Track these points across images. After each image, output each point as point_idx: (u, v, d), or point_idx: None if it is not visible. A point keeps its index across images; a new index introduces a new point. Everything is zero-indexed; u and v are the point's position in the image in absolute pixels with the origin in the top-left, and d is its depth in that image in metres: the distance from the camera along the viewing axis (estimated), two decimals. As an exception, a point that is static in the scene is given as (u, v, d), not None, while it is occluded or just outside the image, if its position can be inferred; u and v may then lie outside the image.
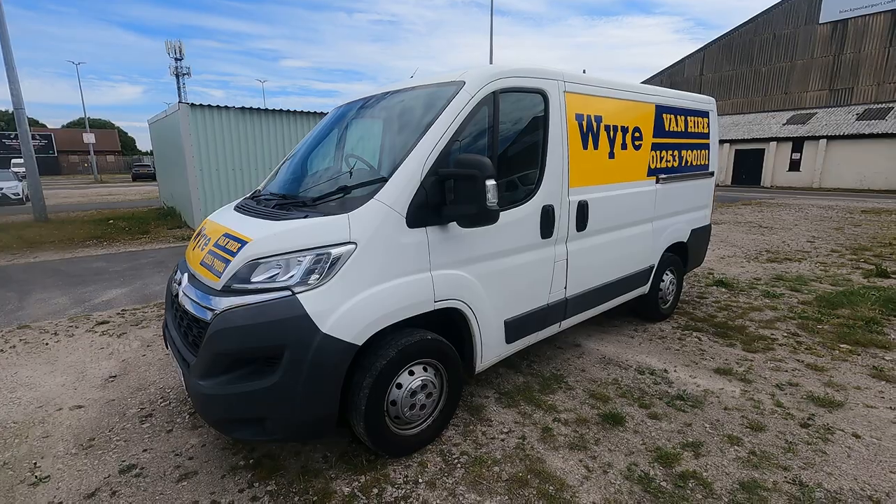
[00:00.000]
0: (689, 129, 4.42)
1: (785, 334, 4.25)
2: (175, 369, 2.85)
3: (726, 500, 2.20)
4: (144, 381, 3.48)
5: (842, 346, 3.97)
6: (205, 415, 2.25)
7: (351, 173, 2.85)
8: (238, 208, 2.91)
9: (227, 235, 2.48)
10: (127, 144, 73.77)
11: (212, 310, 2.19)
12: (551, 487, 2.30)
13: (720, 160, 28.11)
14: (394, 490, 2.30)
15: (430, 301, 2.45)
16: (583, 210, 3.25)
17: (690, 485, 2.30)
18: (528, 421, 2.89)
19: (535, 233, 2.96)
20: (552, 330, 3.35)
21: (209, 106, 10.02)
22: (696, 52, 32.17)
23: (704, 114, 4.70)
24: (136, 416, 3.02)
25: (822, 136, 24.84)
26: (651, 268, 4.24)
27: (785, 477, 2.35)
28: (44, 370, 3.69)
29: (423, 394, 2.53)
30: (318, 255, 2.17)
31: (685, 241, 4.66)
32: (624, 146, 3.62)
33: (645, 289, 4.26)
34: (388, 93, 3.14)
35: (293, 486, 2.35)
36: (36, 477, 2.43)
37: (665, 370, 3.56)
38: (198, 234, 2.94)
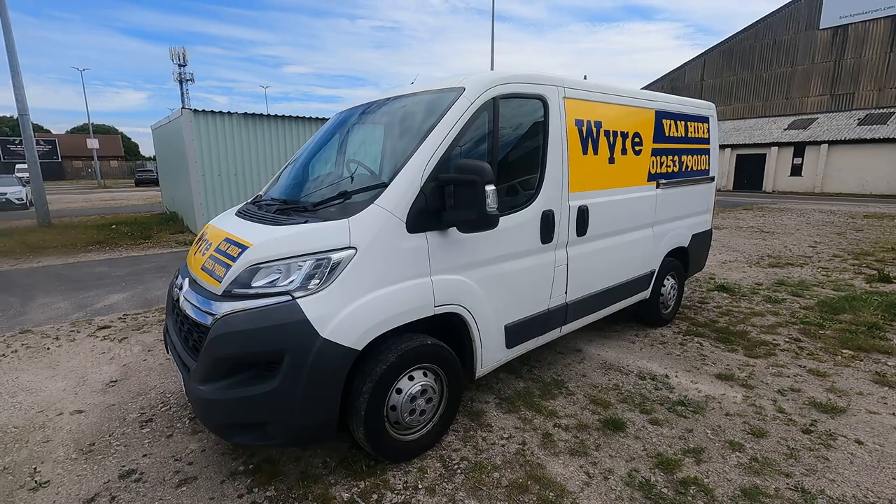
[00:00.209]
0: (689, 135, 4.44)
1: (787, 339, 4.23)
2: (176, 374, 2.85)
3: (728, 506, 2.19)
4: (145, 386, 3.49)
5: (844, 351, 3.95)
6: (205, 419, 2.25)
7: (352, 179, 2.87)
8: (239, 213, 2.93)
9: (228, 240, 2.49)
10: (130, 150, 74.19)
11: (212, 314, 2.20)
12: (552, 493, 2.29)
13: (721, 165, 28.11)
14: (393, 496, 2.29)
15: (429, 306, 2.45)
16: (583, 215, 3.26)
17: (692, 491, 2.29)
18: (529, 426, 2.88)
19: (535, 238, 2.97)
20: (553, 335, 3.35)
21: (212, 112, 10.08)
22: (696, 57, 32.27)
23: (704, 119, 4.71)
24: (136, 420, 3.02)
25: (824, 141, 24.84)
26: (652, 273, 4.23)
27: (787, 483, 2.34)
28: (45, 375, 3.70)
29: (423, 399, 2.52)
30: (318, 260, 2.18)
31: (686, 245, 4.66)
32: (624, 151, 3.63)
33: (646, 294, 4.26)
34: (388, 99, 3.16)
35: (292, 491, 2.34)
36: (36, 482, 2.43)
37: (666, 375, 3.55)
38: (199, 240, 2.95)
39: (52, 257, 8.44)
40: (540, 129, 2.97)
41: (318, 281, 2.16)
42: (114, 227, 12.05)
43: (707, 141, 4.77)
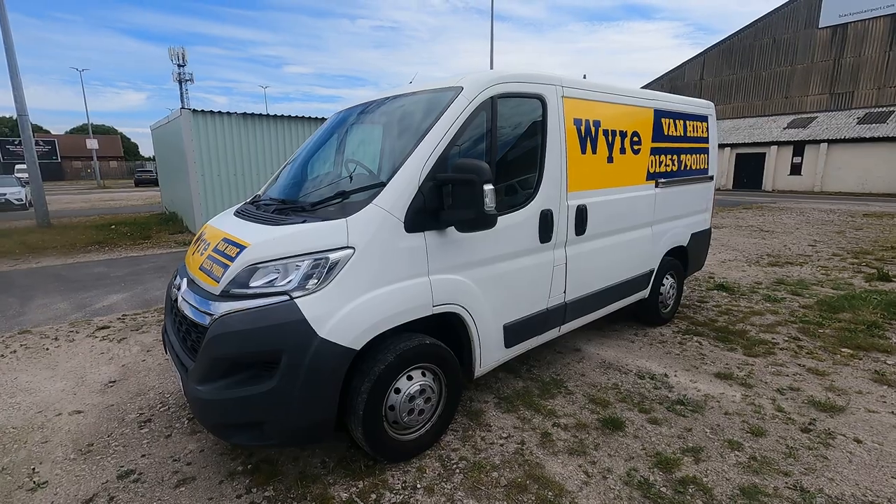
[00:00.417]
0: (688, 134, 4.43)
1: (786, 338, 4.23)
2: (174, 374, 2.85)
3: (726, 505, 2.19)
4: (144, 387, 3.48)
5: (843, 350, 3.95)
6: (203, 420, 2.25)
7: (350, 178, 2.87)
8: (238, 213, 2.92)
9: (226, 240, 2.49)
10: (130, 150, 74.15)
11: (210, 314, 2.20)
12: (550, 493, 2.29)
13: (721, 164, 28.11)
14: (392, 496, 2.29)
15: (428, 306, 2.45)
16: (581, 214, 3.25)
17: (690, 490, 2.29)
18: (528, 426, 2.88)
19: (533, 237, 2.96)
20: (552, 334, 3.35)
21: (211, 112, 10.08)
22: (696, 56, 32.25)
23: (703, 118, 4.71)
24: (134, 421, 3.02)
25: (823, 140, 24.83)
26: (651, 272, 4.23)
27: (786, 482, 2.34)
28: (44, 375, 3.70)
29: (422, 399, 2.52)
30: (316, 259, 2.17)
31: (685, 245, 4.66)
32: (623, 151, 3.62)
33: (645, 293, 4.25)
34: (387, 98, 3.16)
35: (291, 491, 2.34)
36: (34, 482, 2.43)
37: (665, 375, 3.54)
38: (197, 239, 2.95)
39: (51, 258, 8.44)
40: (538, 129, 2.97)
41: (316, 281, 2.15)
42: (113, 227, 12.05)
43: (706, 140, 4.76)
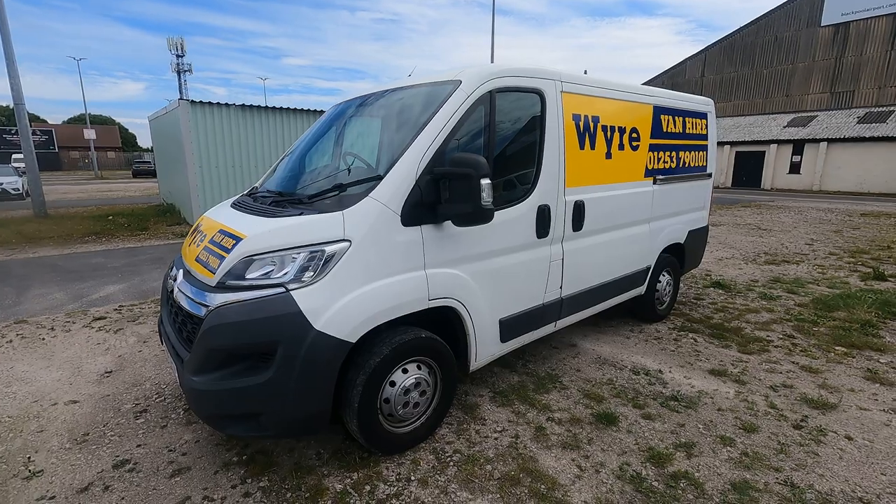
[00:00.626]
0: (686, 131, 4.43)
1: (781, 336, 4.26)
2: (170, 365, 2.85)
3: (717, 500, 2.21)
4: (140, 377, 3.49)
5: (837, 348, 3.97)
6: (198, 410, 2.26)
7: (348, 171, 2.87)
8: (235, 205, 2.92)
9: (222, 232, 2.49)
10: (128, 141, 73.76)
11: (206, 306, 2.20)
12: (543, 486, 2.31)
13: (720, 162, 28.09)
14: (386, 487, 2.30)
15: (424, 299, 2.45)
16: (579, 210, 3.26)
17: (682, 485, 2.31)
18: (522, 420, 2.90)
19: (530, 232, 2.96)
20: (547, 329, 3.36)
21: (209, 103, 10.02)
22: (697, 53, 32.14)
23: (703, 115, 4.70)
24: (130, 411, 3.02)
25: (823, 139, 24.83)
26: (648, 269, 4.24)
27: (776, 478, 2.36)
28: (40, 365, 3.70)
29: (417, 392, 2.53)
30: (312, 252, 2.17)
31: (682, 242, 4.67)
32: (621, 147, 3.62)
33: (641, 289, 4.27)
34: (385, 91, 3.15)
35: (286, 482, 2.35)
36: (29, 471, 2.44)
37: (660, 371, 3.56)
38: (194, 231, 2.94)
39: (48, 248, 8.41)
40: (537, 124, 2.96)
41: (312, 273, 2.15)
42: (110, 218, 12.01)
43: (705, 137, 4.76)
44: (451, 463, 2.49)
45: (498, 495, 2.25)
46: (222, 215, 2.78)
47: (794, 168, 26.19)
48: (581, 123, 3.23)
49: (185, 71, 55.13)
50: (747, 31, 29.55)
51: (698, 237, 5.02)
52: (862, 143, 23.69)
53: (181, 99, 10.01)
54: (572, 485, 2.32)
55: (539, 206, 2.97)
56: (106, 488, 2.31)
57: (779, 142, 26.50)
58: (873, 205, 17.37)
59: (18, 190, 17.88)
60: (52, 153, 49.65)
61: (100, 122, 69.59)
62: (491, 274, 2.78)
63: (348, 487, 2.30)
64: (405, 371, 2.48)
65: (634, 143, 3.76)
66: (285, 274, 2.15)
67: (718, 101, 28.31)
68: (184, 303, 2.39)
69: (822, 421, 2.87)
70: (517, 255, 2.93)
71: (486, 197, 2.25)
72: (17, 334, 4.34)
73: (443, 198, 2.40)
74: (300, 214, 2.34)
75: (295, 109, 11.30)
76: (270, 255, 2.19)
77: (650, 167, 3.97)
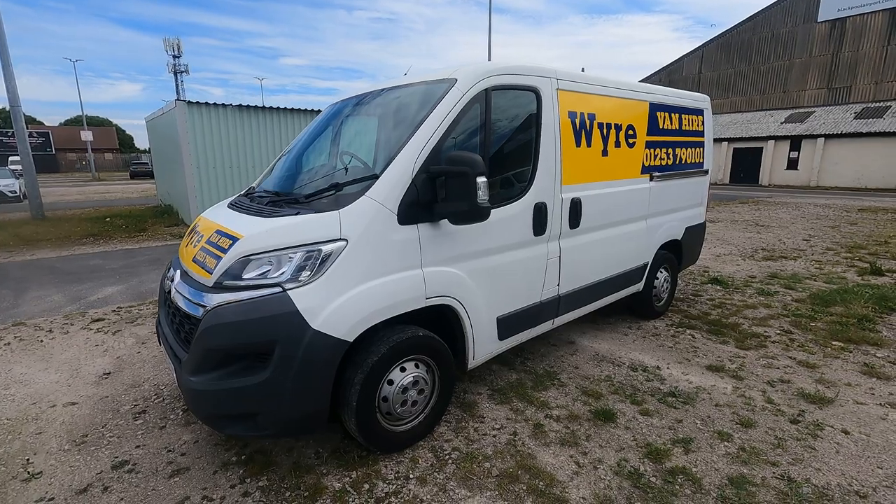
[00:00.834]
0: (683, 127, 4.43)
1: (778, 332, 4.27)
2: (168, 366, 2.86)
3: (715, 495, 2.22)
4: (138, 378, 3.49)
5: (834, 343, 3.99)
6: (196, 411, 2.26)
7: (345, 171, 2.86)
8: (231, 205, 2.92)
9: (219, 232, 2.49)
10: (125, 142, 73.58)
11: (203, 306, 2.20)
12: (541, 483, 2.31)
13: (718, 159, 28.12)
14: (385, 486, 2.31)
15: (421, 298, 2.46)
16: (576, 207, 3.26)
17: (679, 480, 2.32)
18: (520, 417, 2.90)
19: (527, 230, 2.97)
20: (545, 327, 3.36)
21: (206, 103, 10.01)
22: (694, 50, 32.16)
23: (699, 112, 4.71)
24: (129, 412, 3.03)
25: (820, 135, 24.87)
26: (645, 265, 4.25)
27: (773, 472, 2.37)
28: (38, 367, 3.70)
29: (415, 390, 2.54)
30: (308, 251, 2.18)
31: (680, 238, 4.68)
32: (617, 144, 3.62)
33: (639, 286, 4.27)
34: (381, 90, 3.15)
35: (285, 481, 2.36)
36: (28, 473, 2.44)
37: (658, 367, 3.57)
38: (191, 231, 2.94)
39: (45, 250, 8.40)
40: (533, 121, 2.96)
41: (308, 272, 2.16)
42: (108, 219, 11.99)
43: (701, 134, 4.76)
44: (450, 461, 2.50)
45: (496, 492, 2.26)
46: (219, 216, 2.78)
47: (792, 164, 26.23)
48: (577, 121, 3.23)
49: (182, 72, 55.05)
50: (744, 28, 29.58)
51: (695, 234, 5.03)
52: (859, 138, 23.74)
53: (178, 100, 9.99)
54: (570, 481, 2.33)
55: (536, 204, 2.97)
56: (105, 489, 2.32)
57: (776, 138, 26.55)
58: (870, 200, 17.42)
59: (15, 192, 17.83)
60: (49, 155, 49.48)
61: (97, 123, 69.41)
62: (488, 272, 2.79)
63: (347, 486, 2.31)
64: (403, 369, 2.49)
65: (631, 141, 3.77)
66: (282, 274, 2.16)
67: (716, 97, 28.34)
68: (181, 303, 2.39)
69: (818, 415, 2.89)
70: (514, 253, 2.93)
71: (483, 195, 2.26)
72: (16, 336, 4.33)
73: (439, 196, 2.40)
74: (296, 214, 2.34)
75: (292, 109, 11.29)
76: (267, 254, 2.20)
77: (647, 164, 3.98)
